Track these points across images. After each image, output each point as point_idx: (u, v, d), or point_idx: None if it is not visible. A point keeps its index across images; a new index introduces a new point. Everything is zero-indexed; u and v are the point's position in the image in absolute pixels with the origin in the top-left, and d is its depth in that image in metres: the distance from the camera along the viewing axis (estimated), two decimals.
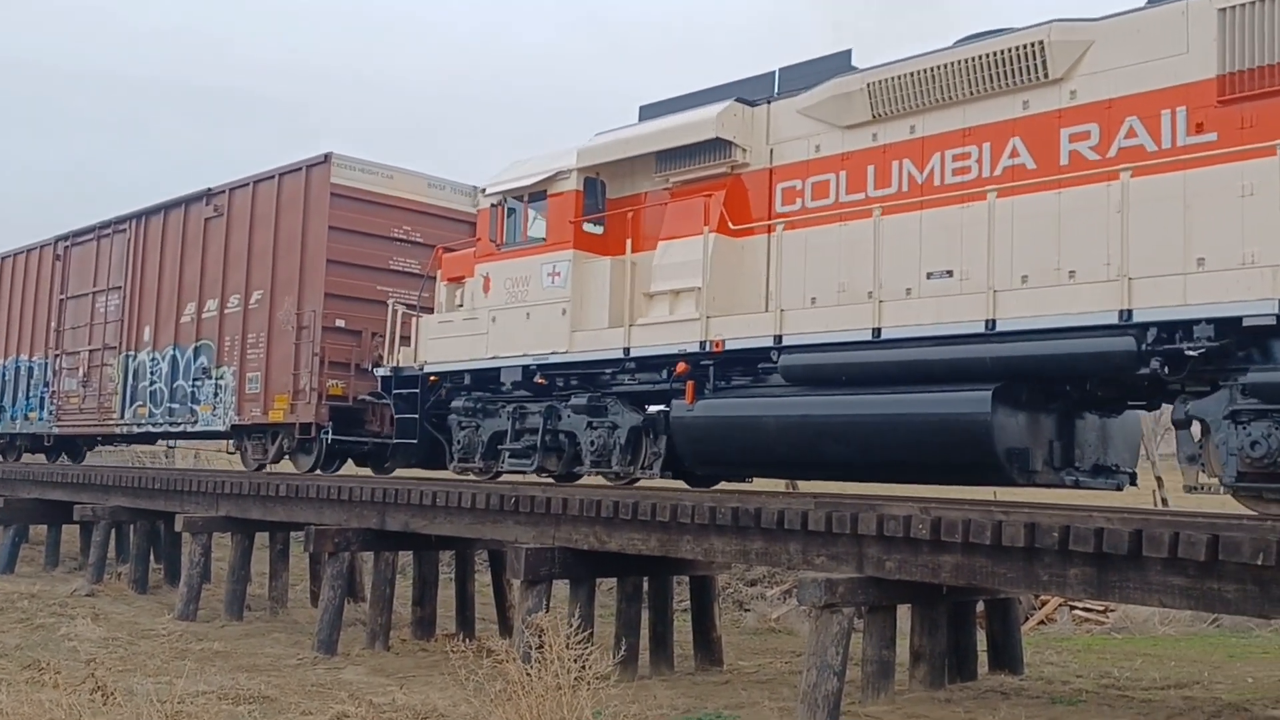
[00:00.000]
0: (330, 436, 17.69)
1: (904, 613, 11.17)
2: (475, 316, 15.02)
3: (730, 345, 12.11)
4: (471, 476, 15.69)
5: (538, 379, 14.22)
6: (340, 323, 18.12)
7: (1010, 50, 10.63)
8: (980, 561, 8.74)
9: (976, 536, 8.50)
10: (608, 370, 13.57)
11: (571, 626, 9.46)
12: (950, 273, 10.97)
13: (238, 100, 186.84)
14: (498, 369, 14.68)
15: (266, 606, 18.01)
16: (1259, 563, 7.12)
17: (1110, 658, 14.89)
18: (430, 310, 16.35)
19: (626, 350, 13.12)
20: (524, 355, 14.27)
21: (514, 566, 11.92)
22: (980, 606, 12.42)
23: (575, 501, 11.68)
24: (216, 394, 19.75)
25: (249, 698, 10.93)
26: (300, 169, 18.61)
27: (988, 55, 10.79)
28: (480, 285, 15.03)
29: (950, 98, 11.12)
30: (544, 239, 14.34)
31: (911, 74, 11.34)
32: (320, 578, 16.42)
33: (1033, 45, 10.47)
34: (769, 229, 12.47)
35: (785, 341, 11.62)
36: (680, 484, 14.26)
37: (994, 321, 10.06)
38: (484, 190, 15.19)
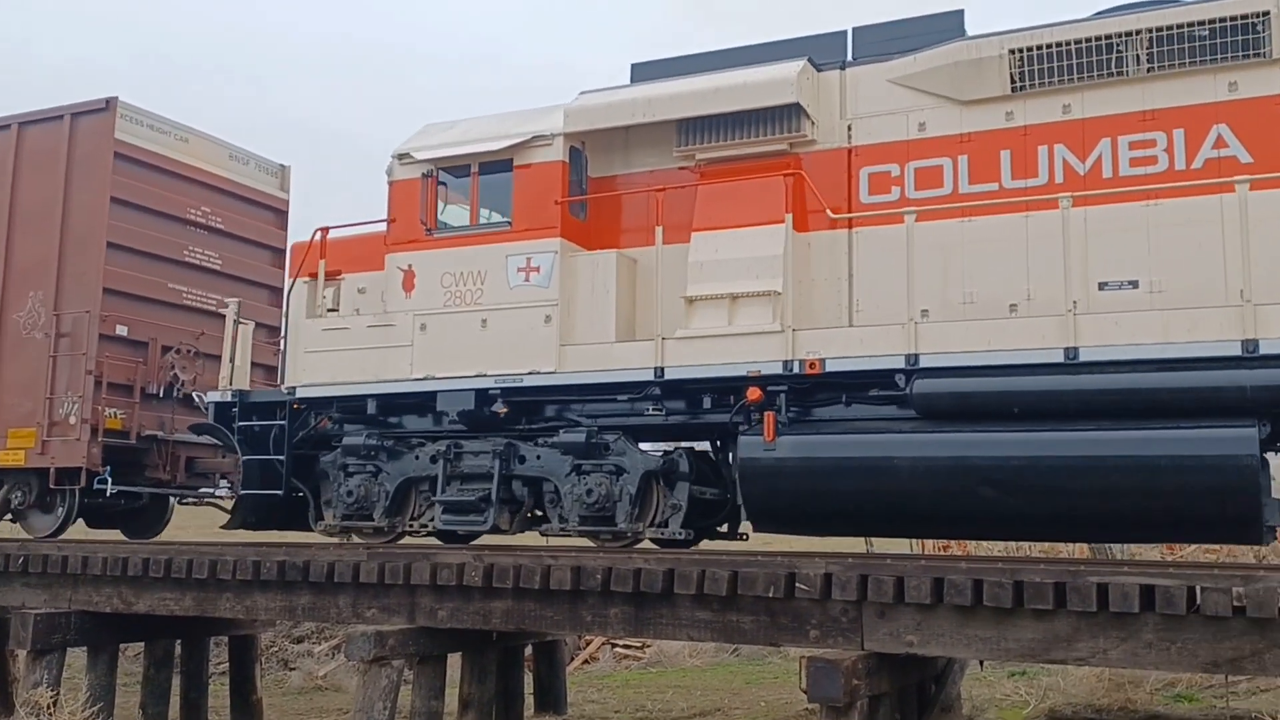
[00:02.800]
0: (111, 487, 12.74)
1: (454, 661, 10.72)
2: (390, 323, 11.13)
3: (834, 366, 9.39)
4: (356, 540, 11.67)
5: (497, 408, 10.65)
6: (122, 330, 13.25)
7: (1217, 21, 8.89)
8: (530, 605, 8.99)
9: (527, 581, 8.74)
10: (621, 397, 10.32)
11: (81, 700, 8.95)
12: (1135, 283, 8.99)
13: None
14: (431, 393, 10.92)
15: None
16: (770, 595, 7.86)
17: (645, 691, 15.89)
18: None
19: (659, 370, 9.98)
20: (480, 375, 10.64)
21: (19, 635, 10.81)
22: (529, 650, 12.32)
23: (98, 559, 10.75)
24: None
25: None
26: (61, 118, 13.52)
27: (1185, 25, 8.99)
28: (398, 282, 11.17)
29: (1122, 72, 9.22)
30: (509, 223, 10.84)
31: (1070, 42, 9.32)
32: None
33: (1251, 18, 8.80)
34: (850, 223, 9.95)
35: (924, 362, 9.09)
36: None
37: (1256, 342, 8.14)
38: (400, 156, 11.36)
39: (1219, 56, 8.92)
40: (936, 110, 9.84)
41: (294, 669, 18.00)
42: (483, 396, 10.67)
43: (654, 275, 10.28)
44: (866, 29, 10.36)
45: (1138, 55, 9.17)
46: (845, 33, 10.40)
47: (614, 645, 18.76)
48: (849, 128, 10.17)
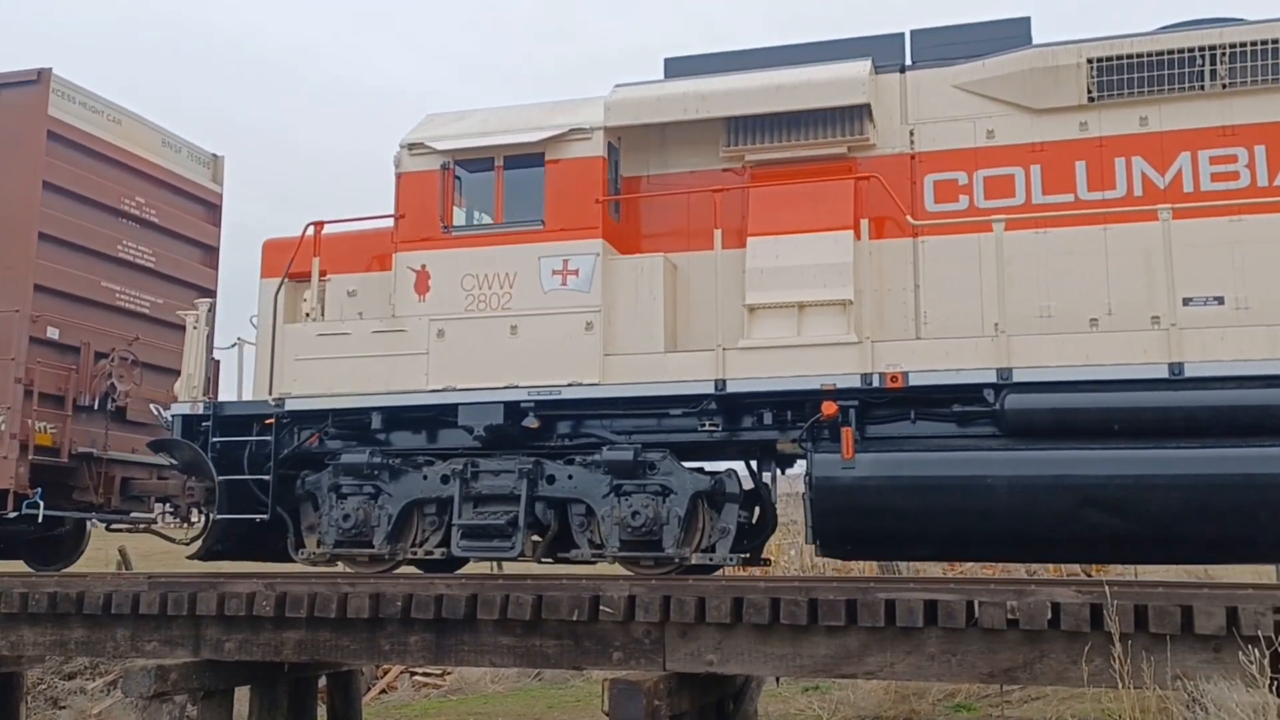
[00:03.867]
0: (43, 512, 11.11)
1: (242, 694, 10.18)
2: (400, 328, 10.06)
3: (918, 380, 8.90)
4: (341, 568, 10.49)
5: (529, 422, 9.74)
6: (54, 333, 11.65)
7: None
8: (325, 635, 8.75)
9: (322, 610, 8.52)
10: (674, 411, 9.57)
11: None
12: (1220, 299, 8.85)
13: None
14: (446, 406, 9.91)
15: None
16: (574, 618, 7.93)
17: None
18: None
19: (720, 383, 9.29)
20: (511, 386, 9.71)
21: None
22: (323, 681, 11.68)
23: None
24: None
25: None
26: None
27: (1265, 42, 8.96)
28: (409, 283, 10.12)
29: (1200, 87, 9.12)
30: (540, 221, 9.96)
31: (1150, 54, 9.18)
32: None
33: None
34: (916, 231, 9.53)
35: (1017, 376, 8.71)
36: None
37: None
38: (411, 146, 10.33)
39: None
40: (1006, 118, 9.54)
41: (64, 707, 16.77)
42: (512, 410, 9.73)
43: (712, 281, 9.61)
44: (926, 32, 10.00)
45: (1216, 70, 9.08)
46: (902, 35, 10.02)
47: (413, 673, 18.31)
48: (911, 133, 9.77)
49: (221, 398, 11.13)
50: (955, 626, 7.28)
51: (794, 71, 9.70)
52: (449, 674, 18.13)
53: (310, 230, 10.53)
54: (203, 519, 11.39)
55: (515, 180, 10.12)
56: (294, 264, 10.50)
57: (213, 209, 14.06)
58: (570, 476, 9.80)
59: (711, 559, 9.61)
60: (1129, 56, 9.20)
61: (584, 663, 8.38)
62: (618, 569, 10.15)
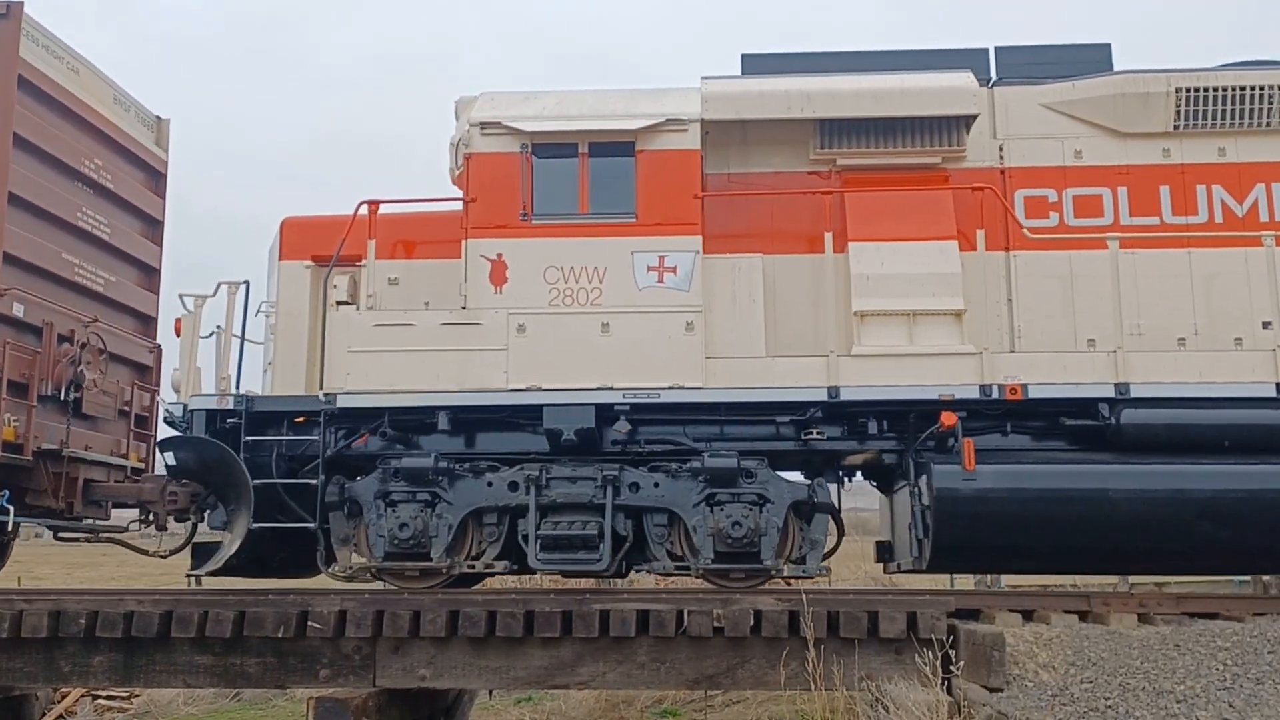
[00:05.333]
0: (13, 518, 9.54)
1: None
2: (475, 320, 9.25)
3: (1038, 393, 8.95)
4: (383, 585, 9.55)
5: (621, 425, 9.16)
6: (19, 310, 10.06)
7: None
8: None
9: None
10: (779, 419, 9.22)
11: None
12: None
13: None
14: (530, 406, 9.18)
15: None
16: (280, 635, 7.82)
17: None
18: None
19: (833, 390, 9.02)
20: (604, 388, 9.10)
21: None
22: None
23: None
24: None
25: None
26: None
27: None
28: (483, 273, 9.31)
29: (1270, 124, 9.65)
30: (633, 214, 9.40)
31: (1233, 88, 9.63)
32: None
33: None
34: (1008, 245, 9.63)
35: (1134, 392, 8.89)
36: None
37: None
38: (484, 125, 9.52)
39: None
40: (1093, 139, 9.78)
41: None
42: (603, 412, 9.14)
43: (802, 285, 9.41)
44: (1010, 49, 10.11)
45: None
46: (987, 51, 10.10)
47: (95, 696, 17.00)
48: (1000, 148, 9.85)
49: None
50: (665, 635, 7.65)
51: (900, 77, 9.59)
52: (137, 696, 16.89)
53: (364, 210, 9.53)
54: (188, 528, 10.17)
55: (600, 169, 9.52)
56: (345, 246, 9.49)
57: (158, 177, 12.55)
58: (656, 484, 9.28)
59: (804, 570, 9.34)
60: (1213, 89, 9.61)
61: (289, 681, 8.15)
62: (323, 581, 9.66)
